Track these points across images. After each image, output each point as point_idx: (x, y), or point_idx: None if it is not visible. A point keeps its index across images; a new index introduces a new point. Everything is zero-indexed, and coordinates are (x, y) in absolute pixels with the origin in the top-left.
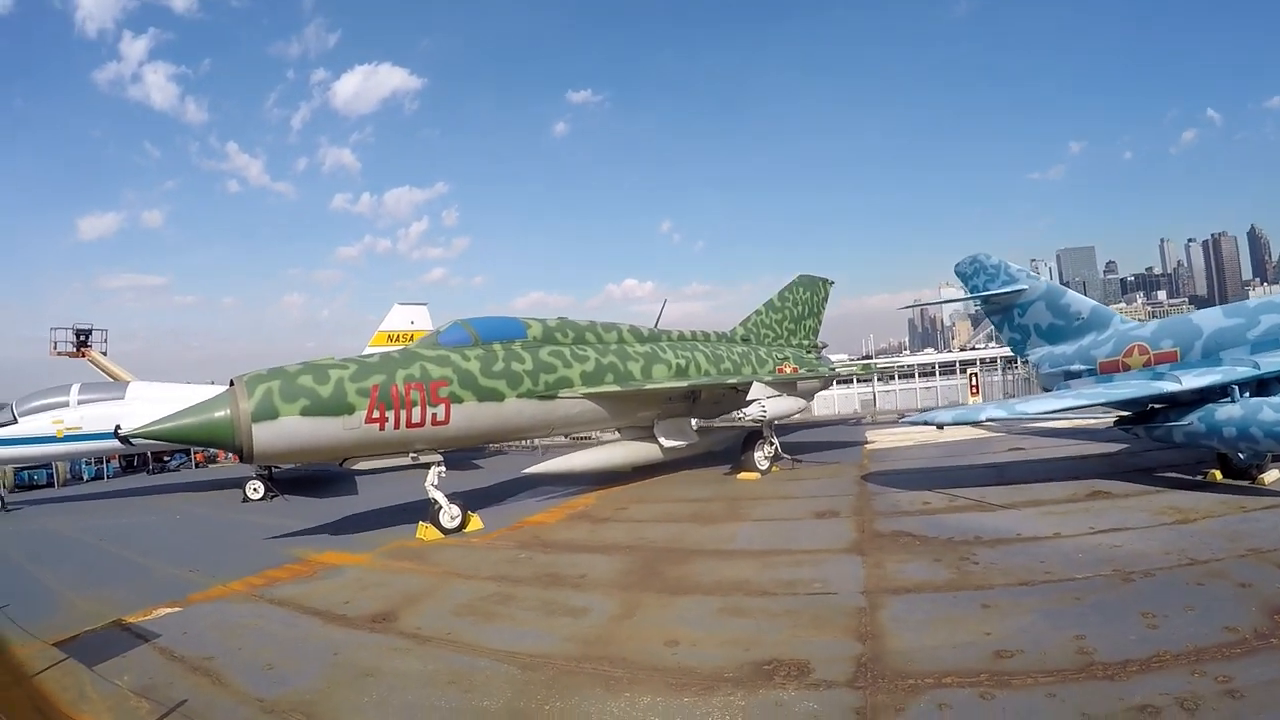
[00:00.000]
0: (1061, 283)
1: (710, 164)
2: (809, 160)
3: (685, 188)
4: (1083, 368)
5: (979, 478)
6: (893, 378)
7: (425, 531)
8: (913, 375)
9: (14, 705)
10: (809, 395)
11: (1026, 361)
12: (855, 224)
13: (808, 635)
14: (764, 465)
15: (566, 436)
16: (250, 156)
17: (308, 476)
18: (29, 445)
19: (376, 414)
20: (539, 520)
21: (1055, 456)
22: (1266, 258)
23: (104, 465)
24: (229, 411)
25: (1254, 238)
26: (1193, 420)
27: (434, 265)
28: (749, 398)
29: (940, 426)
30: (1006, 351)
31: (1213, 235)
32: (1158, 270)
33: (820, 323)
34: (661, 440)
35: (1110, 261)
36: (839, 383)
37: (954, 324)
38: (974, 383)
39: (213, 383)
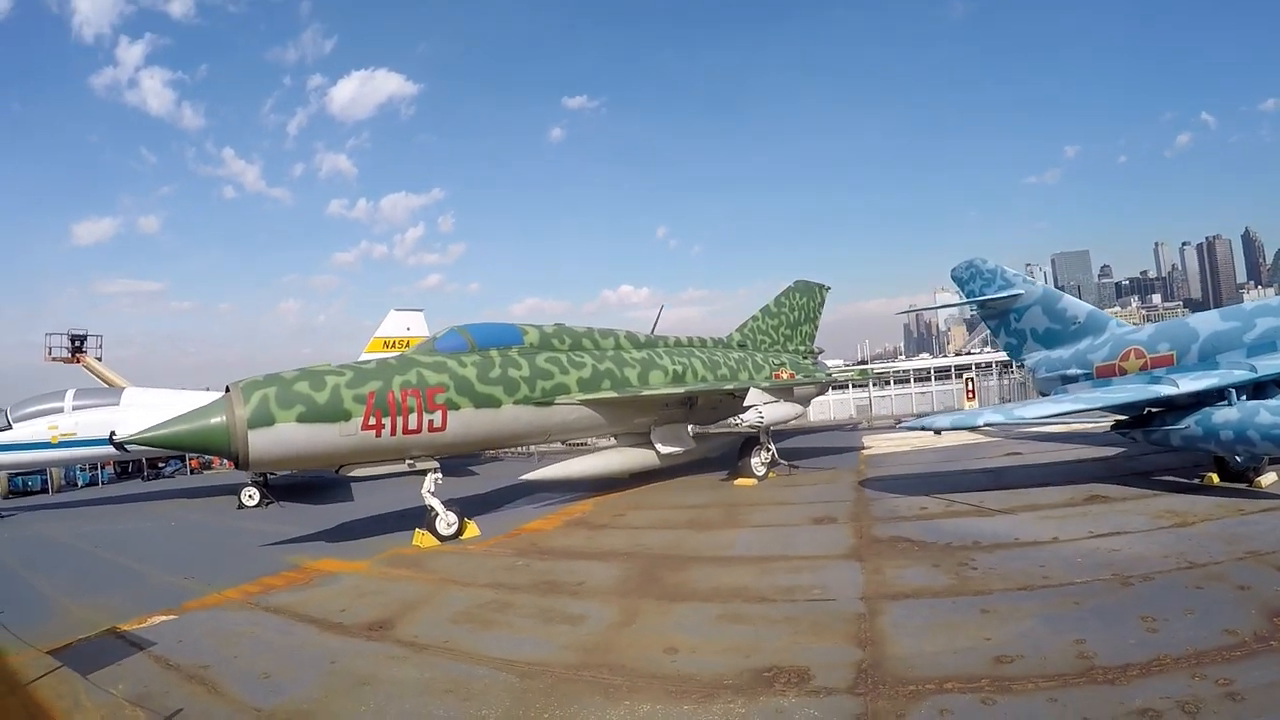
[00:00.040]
0: (1056, 287)
1: (707, 167)
2: (806, 162)
3: (682, 192)
4: (1079, 372)
5: (976, 483)
6: (888, 383)
7: (422, 539)
8: (908, 380)
9: (8, 714)
10: (805, 401)
11: (1022, 366)
12: (851, 228)
13: (807, 642)
14: (761, 471)
15: (563, 443)
16: (246, 162)
17: (303, 483)
18: (24, 451)
19: (373, 421)
20: (536, 527)
21: (1052, 461)
22: (1261, 261)
23: (99, 471)
24: (225, 418)
25: (1248, 241)
26: (1190, 424)
27: (430, 271)
28: (746, 403)
29: (938, 432)
30: (1002, 356)
31: (1207, 238)
32: (1152, 274)
33: (816, 328)
34: (658, 446)
35: (1105, 265)
36: (835, 388)
37: (949, 329)
38: (970, 388)
39: (208, 389)
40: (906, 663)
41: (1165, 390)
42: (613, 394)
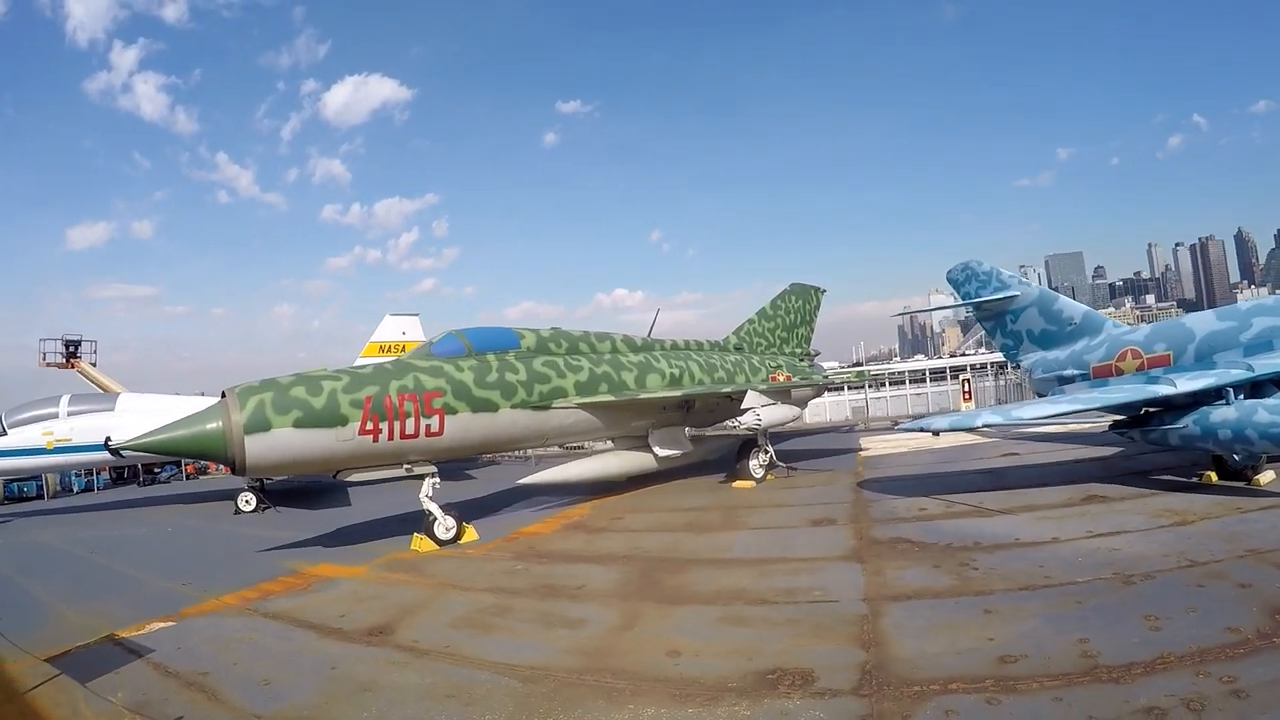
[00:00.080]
0: (1050, 288)
1: (700, 170)
2: (799, 165)
3: (675, 195)
4: (1076, 373)
5: (974, 483)
6: (884, 384)
7: (420, 543)
8: (904, 382)
9: None
10: (802, 403)
11: (1019, 367)
12: (845, 231)
13: (810, 644)
14: (759, 473)
15: (561, 447)
16: (240, 167)
17: (300, 488)
18: (18, 457)
19: (370, 425)
20: (534, 531)
21: (1050, 461)
22: (1254, 260)
23: (94, 477)
24: (221, 424)
25: (1241, 241)
26: (1188, 423)
27: (424, 276)
28: (743, 406)
29: (936, 433)
30: (997, 357)
31: (1200, 239)
32: (1146, 274)
33: (812, 331)
34: (656, 449)
35: (1098, 266)
36: (831, 390)
37: (943, 330)
38: (966, 389)
39: (203, 394)
40: (910, 664)
41: (1163, 390)
42: (610, 397)
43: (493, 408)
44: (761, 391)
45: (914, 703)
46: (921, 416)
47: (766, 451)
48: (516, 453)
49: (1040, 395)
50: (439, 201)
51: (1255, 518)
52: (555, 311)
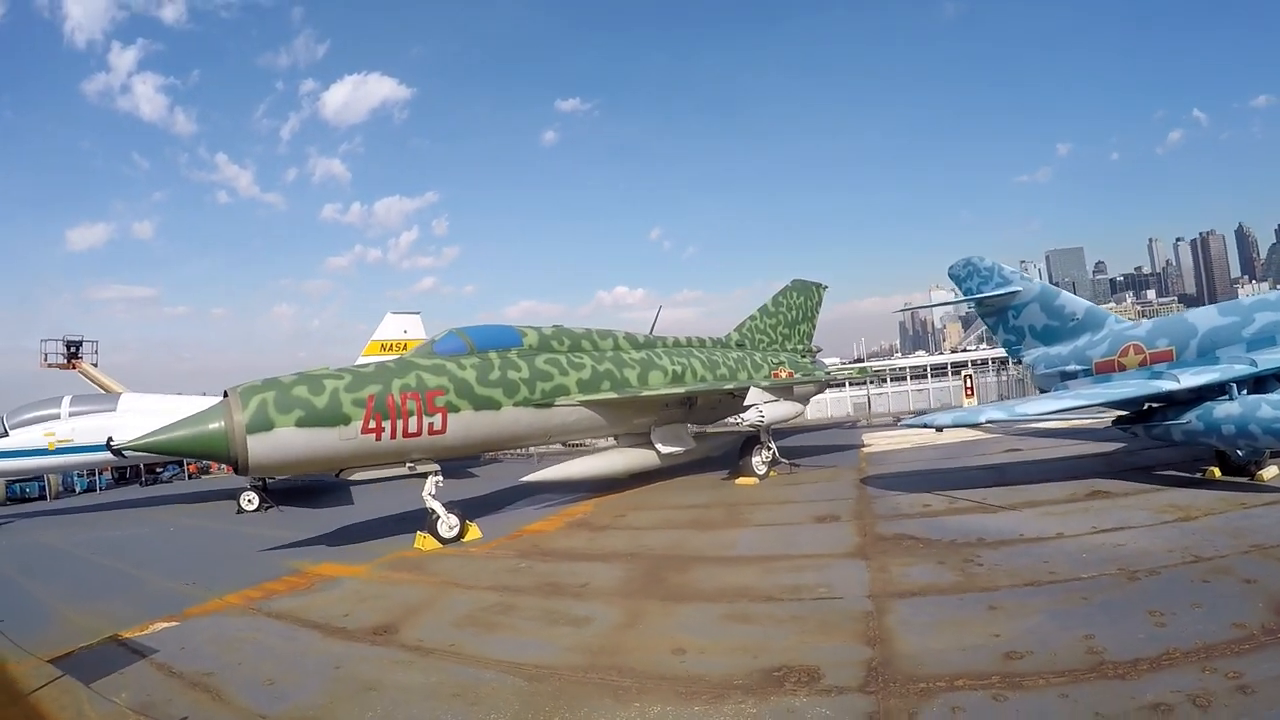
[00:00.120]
0: (1051, 283)
1: (700, 169)
2: (800, 164)
3: (675, 194)
4: (1078, 368)
5: (978, 479)
6: (885, 380)
7: (423, 541)
8: (906, 378)
9: None
10: (805, 399)
11: (1021, 363)
12: (846, 228)
13: (815, 641)
14: (762, 470)
15: (563, 444)
16: (240, 167)
17: (303, 487)
18: (20, 458)
19: (373, 424)
20: (538, 529)
21: (1053, 457)
22: (1255, 255)
23: (96, 477)
24: (223, 423)
25: (1242, 236)
26: (1191, 419)
27: (425, 274)
28: (746, 403)
29: (940, 429)
30: (998, 353)
31: (1201, 234)
32: (1146, 270)
33: (814, 327)
34: (659, 447)
35: (1099, 262)
36: (832, 386)
37: (944, 326)
38: (969, 385)
39: (205, 393)
40: (916, 660)
41: (1167, 385)
42: (612, 395)
43: (495, 406)
44: (764, 388)
45: (920, 700)
46: (924, 412)
47: (769, 448)
48: (519, 450)
49: (1043, 391)
50: (439, 200)
51: (1259, 513)
52: (556, 310)
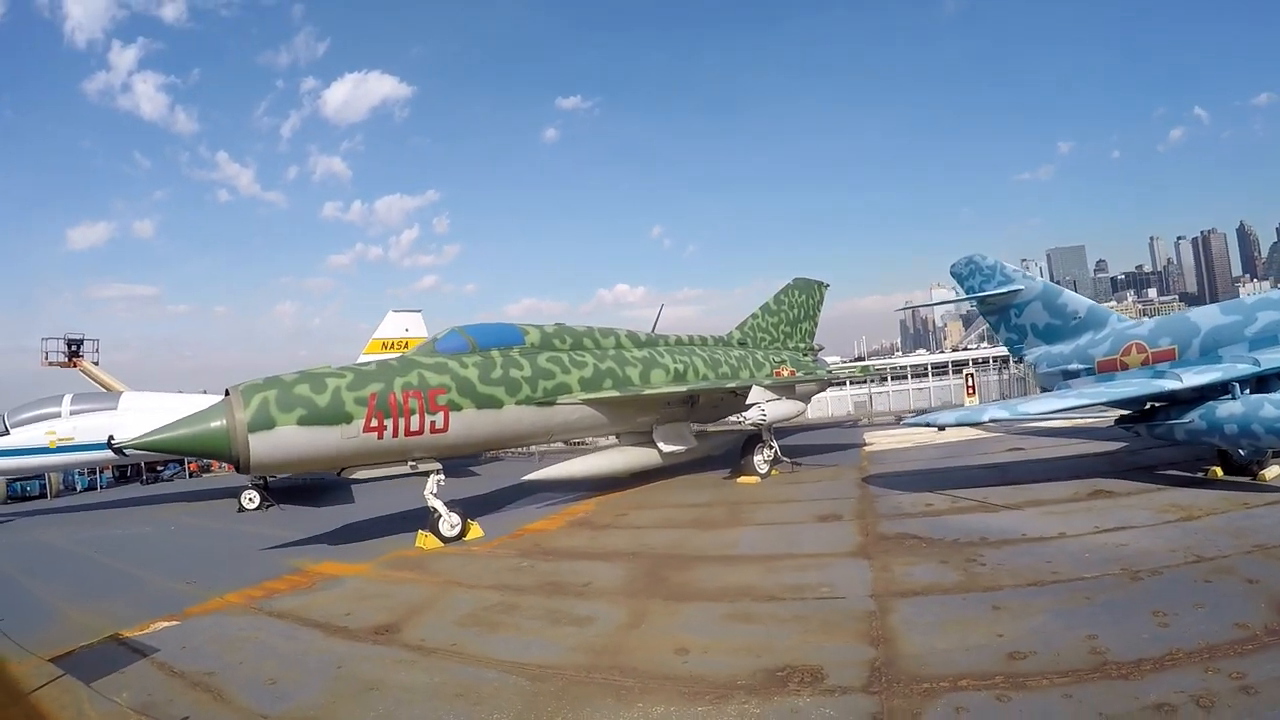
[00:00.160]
0: (1052, 282)
1: (702, 167)
2: (801, 162)
3: (677, 192)
4: (1081, 367)
5: (980, 478)
6: (886, 379)
7: (425, 540)
8: (906, 376)
9: None
10: (806, 398)
11: (1022, 361)
12: (847, 227)
13: (818, 640)
14: (764, 469)
15: (565, 443)
16: (240, 166)
17: (304, 486)
18: (22, 456)
19: (375, 423)
20: (539, 527)
21: (1055, 456)
22: (1256, 254)
23: (97, 476)
24: (225, 422)
25: (1243, 234)
26: (1194, 418)
27: (426, 272)
28: (748, 401)
29: (942, 428)
30: (1000, 351)
31: (1202, 232)
32: (1148, 268)
33: (816, 325)
34: (661, 445)
35: (1100, 260)
36: (833, 385)
37: (945, 324)
38: (970, 383)
39: (206, 392)
40: (920, 660)
41: (1169, 384)
42: (615, 393)
43: (497, 404)
44: (766, 386)
45: (924, 700)
46: (925, 411)
47: (771, 447)
48: (520, 449)
49: (1045, 390)
50: (440, 198)
51: (1262, 513)
52: (557, 308)
